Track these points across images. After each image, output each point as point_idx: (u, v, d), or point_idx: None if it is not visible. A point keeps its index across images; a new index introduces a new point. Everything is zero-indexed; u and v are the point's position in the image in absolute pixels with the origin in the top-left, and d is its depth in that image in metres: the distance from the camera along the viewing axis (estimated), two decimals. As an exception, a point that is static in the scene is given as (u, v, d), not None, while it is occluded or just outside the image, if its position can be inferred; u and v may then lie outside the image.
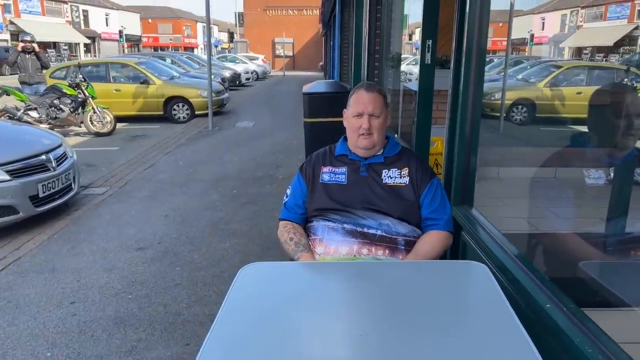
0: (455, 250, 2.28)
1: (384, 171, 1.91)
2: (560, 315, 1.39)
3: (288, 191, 2.05)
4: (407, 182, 1.89)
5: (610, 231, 1.90)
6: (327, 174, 1.95)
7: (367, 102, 1.89)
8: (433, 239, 1.84)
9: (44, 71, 10.04)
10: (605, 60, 4.67)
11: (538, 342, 1.15)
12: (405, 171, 1.91)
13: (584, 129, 2.35)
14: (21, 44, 9.36)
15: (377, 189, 1.87)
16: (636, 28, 4.01)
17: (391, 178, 1.90)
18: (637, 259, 1.85)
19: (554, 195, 2.72)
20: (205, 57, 15.28)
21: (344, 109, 2.01)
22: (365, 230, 1.80)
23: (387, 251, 1.79)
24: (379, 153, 1.95)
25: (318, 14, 33.13)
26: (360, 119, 1.89)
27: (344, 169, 1.94)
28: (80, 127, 9.45)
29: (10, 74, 10.00)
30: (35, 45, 9.50)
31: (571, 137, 2.28)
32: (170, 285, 3.38)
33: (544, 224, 2.80)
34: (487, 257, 1.92)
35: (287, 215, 2.00)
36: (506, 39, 4.75)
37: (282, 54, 43.19)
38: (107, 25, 49.89)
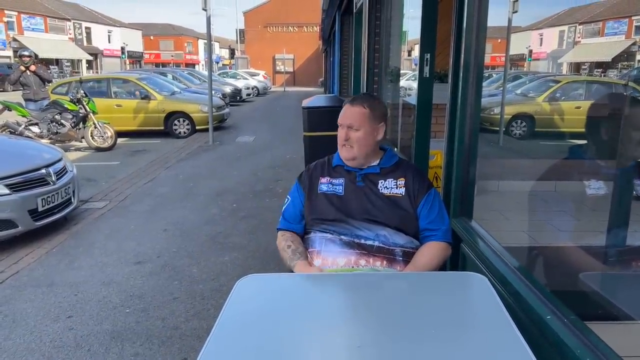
0: (454, 263, 2.27)
1: (380, 181, 1.91)
2: (561, 327, 1.37)
3: (287, 200, 2.06)
4: (404, 193, 1.89)
5: (611, 243, 1.89)
6: (325, 184, 1.95)
7: (347, 114, 1.94)
8: (432, 250, 1.83)
9: (48, 86, 10.08)
10: (604, 76, 4.69)
11: (539, 353, 1.13)
12: (402, 181, 1.91)
13: (583, 142, 2.35)
14: (22, 67, 9.36)
15: (374, 199, 1.87)
16: (634, 44, 4.03)
17: (387, 188, 1.90)
18: (639, 271, 1.84)
19: (554, 208, 2.71)
20: (206, 73, 15.41)
21: None
22: (362, 241, 1.80)
23: (384, 262, 1.78)
24: (374, 164, 1.95)
25: (318, 30, 33.50)
26: (342, 130, 1.94)
27: (341, 180, 1.95)
28: (81, 142, 9.48)
29: (13, 90, 10.09)
30: (33, 66, 9.47)
31: (570, 149, 2.28)
32: (169, 299, 3.35)
33: (544, 236, 2.78)
34: (487, 269, 1.91)
35: (285, 225, 2.01)
36: (504, 54, 4.79)
37: (282, 70, 43.55)
38: (109, 42, 50.37)
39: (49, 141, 8.55)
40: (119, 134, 9.83)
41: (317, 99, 5.78)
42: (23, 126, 8.85)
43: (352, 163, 1.94)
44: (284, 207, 2.05)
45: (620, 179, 1.93)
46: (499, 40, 4.66)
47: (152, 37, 60.27)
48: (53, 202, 4.52)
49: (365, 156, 1.94)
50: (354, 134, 1.91)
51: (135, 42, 54.50)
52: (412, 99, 4.29)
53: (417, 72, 3.46)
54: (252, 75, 29.62)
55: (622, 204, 1.88)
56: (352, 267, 1.78)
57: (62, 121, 9.03)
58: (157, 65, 53.20)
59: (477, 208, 2.40)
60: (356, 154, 1.92)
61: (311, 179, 2.00)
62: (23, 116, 9.02)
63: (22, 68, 9.34)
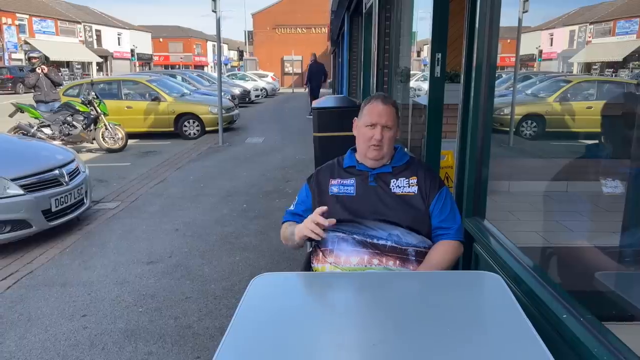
0: (467, 263, 2.26)
1: (392, 181, 1.91)
2: (577, 326, 1.36)
3: (294, 201, 2.07)
4: (416, 192, 1.88)
5: (626, 242, 1.87)
6: (336, 186, 1.95)
7: (382, 113, 1.89)
8: (444, 249, 1.83)
9: (58, 88, 10.19)
10: (615, 76, 4.66)
11: (555, 353, 1.13)
12: (414, 180, 1.91)
13: (595, 142, 2.34)
14: (39, 70, 9.44)
15: (386, 199, 1.87)
16: (645, 43, 3.99)
17: (399, 187, 1.90)
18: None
19: (566, 208, 2.69)
20: (215, 74, 15.47)
21: (355, 118, 2.02)
22: (375, 241, 1.79)
23: (397, 262, 1.77)
24: (387, 163, 1.95)
25: (326, 32, 33.48)
26: (372, 130, 1.89)
27: (352, 180, 1.94)
28: (92, 143, 9.58)
29: (25, 92, 10.26)
30: (44, 67, 9.56)
31: (586, 148, 2.27)
32: (181, 298, 3.37)
33: (557, 237, 2.77)
34: (500, 268, 1.90)
35: (290, 218, 2.03)
36: (514, 55, 4.77)
37: (291, 72, 43.58)
38: (119, 44, 50.78)
39: (60, 142, 8.63)
40: (130, 135, 9.90)
41: (327, 99, 5.77)
42: (35, 128, 8.95)
43: (378, 163, 1.93)
44: (292, 207, 2.06)
45: (635, 179, 1.92)
46: (509, 41, 4.64)
47: (161, 40, 60.68)
48: (66, 203, 4.57)
49: (390, 154, 1.95)
50: (387, 133, 1.89)
51: (144, 44, 54.89)
52: (423, 99, 4.28)
53: (427, 73, 3.44)
54: (261, 76, 29.68)
55: (637, 203, 1.87)
56: (365, 266, 1.78)
57: (74, 123, 9.13)
58: (166, 67, 53.51)
59: (488, 208, 2.40)
60: (385, 153, 1.92)
61: (321, 181, 2.00)
62: (35, 118, 9.12)
63: (38, 72, 9.44)
